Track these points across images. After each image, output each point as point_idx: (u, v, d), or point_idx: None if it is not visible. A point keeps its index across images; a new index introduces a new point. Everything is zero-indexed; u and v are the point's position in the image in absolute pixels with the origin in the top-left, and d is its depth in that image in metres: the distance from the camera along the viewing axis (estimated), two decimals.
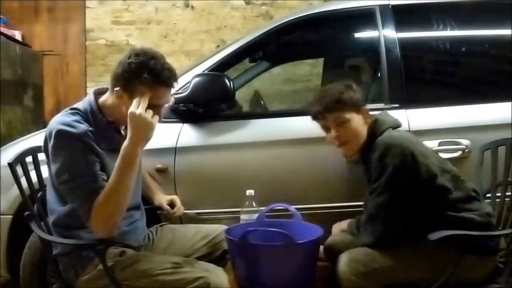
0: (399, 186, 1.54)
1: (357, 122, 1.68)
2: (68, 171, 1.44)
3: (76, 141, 1.44)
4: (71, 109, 1.55)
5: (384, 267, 1.53)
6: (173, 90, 2.09)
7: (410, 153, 1.54)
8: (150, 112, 1.46)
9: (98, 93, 1.61)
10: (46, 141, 1.50)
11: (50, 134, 1.47)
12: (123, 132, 1.63)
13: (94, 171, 1.45)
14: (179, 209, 1.90)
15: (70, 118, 1.49)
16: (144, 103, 1.45)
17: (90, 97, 1.58)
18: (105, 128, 1.55)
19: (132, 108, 1.44)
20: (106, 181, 1.46)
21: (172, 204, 1.90)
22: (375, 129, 1.67)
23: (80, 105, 1.57)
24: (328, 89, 1.73)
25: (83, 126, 1.47)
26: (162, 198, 1.92)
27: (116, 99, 1.52)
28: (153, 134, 1.47)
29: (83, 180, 1.43)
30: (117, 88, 1.50)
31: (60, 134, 1.44)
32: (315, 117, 1.74)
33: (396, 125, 1.71)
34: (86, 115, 1.53)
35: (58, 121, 1.48)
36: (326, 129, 1.73)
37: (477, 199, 1.63)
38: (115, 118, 1.58)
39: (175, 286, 1.46)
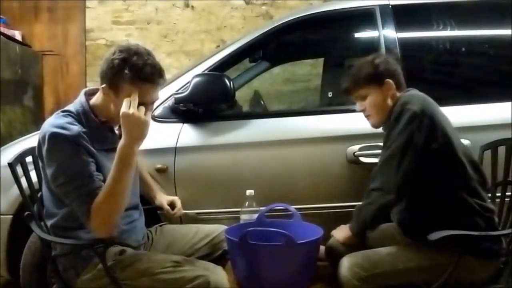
0: (415, 135, 1.53)
1: (377, 97, 1.71)
2: (64, 174, 1.43)
3: (70, 143, 1.43)
4: (63, 111, 1.53)
5: (385, 271, 1.53)
6: (170, 90, 2.12)
7: (430, 108, 1.58)
8: (143, 109, 1.45)
9: (89, 93, 1.60)
10: (40, 145, 1.49)
11: (43, 137, 1.45)
12: (117, 132, 1.62)
13: (90, 172, 1.44)
14: (179, 210, 1.90)
15: (63, 120, 1.47)
16: (135, 101, 1.44)
17: (81, 98, 1.57)
18: (98, 128, 1.54)
19: (124, 109, 1.43)
20: (103, 181, 1.45)
21: (172, 205, 1.90)
22: (401, 99, 1.68)
23: (72, 106, 1.55)
24: (352, 68, 1.78)
25: (76, 128, 1.46)
26: (162, 198, 1.91)
27: (104, 96, 1.52)
28: (147, 131, 1.46)
29: (79, 182, 1.42)
30: (103, 86, 1.49)
31: (53, 137, 1.43)
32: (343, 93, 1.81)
33: None
34: (79, 116, 1.52)
35: (51, 124, 1.46)
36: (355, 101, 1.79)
37: (485, 191, 1.63)
38: (107, 118, 1.56)
39: (175, 285, 1.46)
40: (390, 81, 1.71)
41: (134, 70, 1.45)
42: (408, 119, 1.55)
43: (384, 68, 1.72)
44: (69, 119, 1.49)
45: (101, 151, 1.51)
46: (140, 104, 1.46)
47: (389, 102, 1.70)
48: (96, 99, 1.57)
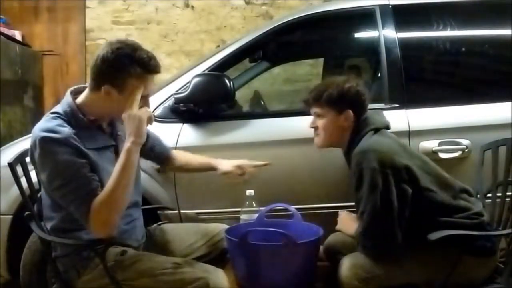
0: (382, 191, 1.50)
1: (332, 121, 1.69)
2: (59, 177, 1.41)
3: (62, 146, 1.40)
4: (52, 113, 1.51)
5: (385, 272, 1.53)
6: (170, 90, 2.12)
7: (387, 156, 1.53)
8: (144, 108, 1.47)
9: (76, 92, 1.57)
10: (31, 150, 1.47)
11: (34, 142, 1.43)
12: (106, 129, 1.60)
13: (85, 173, 1.42)
14: (247, 175, 1.84)
15: (52, 123, 1.45)
16: (136, 100, 1.45)
17: (67, 98, 1.54)
18: (87, 127, 1.51)
19: (126, 109, 1.44)
20: (98, 181, 1.44)
21: (239, 169, 1.85)
22: (358, 128, 1.67)
23: (60, 107, 1.52)
24: (321, 83, 1.76)
25: (67, 130, 1.43)
26: (224, 166, 1.86)
27: (104, 96, 1.48)
28: (145, 129, 1.48)
29: (75, 184, 1.40)
30: (106, 86, 1.46)
31: (44, 141, 1.41)
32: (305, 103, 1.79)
33: (382, 127, 1.70)
34: (67, 117, 1.49)
35: (40, 128, 1.44)
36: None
37: (466, 199, 1.62)
38: (96, 116, 1.54)
39: (175, 286, 1.46)
40: (351, 112, 1.68)
41: (143, 64, 1.45)
42: (371, 178, 1.51)
43: (350, 97, 1.68)
44: (58, 121, 1.46)
45: (93, 151, 1.49)
46: (142, 96, 1.47)
47: (342, 130, 1.69)
48: (84, 98, 1.54)
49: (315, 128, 1.75)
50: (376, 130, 1.66)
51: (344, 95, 1.67)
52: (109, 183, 1.41)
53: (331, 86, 1.69)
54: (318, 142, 1.76)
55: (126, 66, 1.45)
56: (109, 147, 1.58)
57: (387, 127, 1.73)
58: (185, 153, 1.94)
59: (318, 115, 1.73)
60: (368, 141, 1.62)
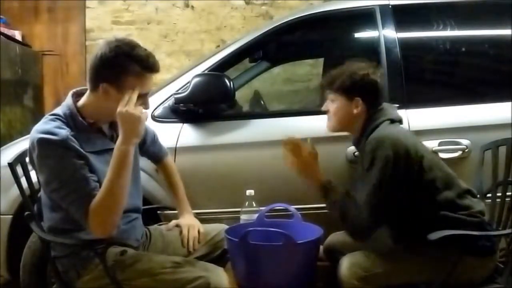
0: (389, 178, 1.51)
1: (342, 107, 1.70)
2: (57, 179, 1.41)
3: (60, 148, 1.40)
4: (52, 114, 1.50)
5: (385, 271, 1.53)
6: (170, 90, 2.12)
7: (403, 146, 1.54)
8: (140, 108, 1.45)
9: (78, 94, 1.56)
10: (30, 152, 1.46)
11: (32, 144, 1.43)
12: (106, 133, 1.59)
13: (83, 174, 1.42)
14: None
15: (50, 125, 1.44)
16: (133, 99, 1.43)
17: (68, 101, 1.53)
18: (86, 130, 1.50)
19: (120, 107, 1.42)
20: (96, 181, 1.44)
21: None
22: (373, 117, 1.68)
23: (60, 110, 1.52)
24: (338, 69, 1.76)
25: (64, 132, 1.42)
26: (183, 222, 1.83)
27: (103, 95, 1.47)
28: (143, 129, 1.47)
29: (74, 186, 1.40)
30: (103, 84, 1.45)
31: (42, 143, 1.40)
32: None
33: (397, 119, 1.71)
34: (66, 120, 1.48)
35: (38, 129, 1.44)
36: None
37: (469, 198, 1.62)
38: (97, 119, 1.53)
39: (175, 286, 1.46)
40: (359, 100, 1.68)
41: (141, 62, 1.44)
42: (383, 165, 1.52)
43: (362, 85, 1.68)
44: (57, 123, 1.45)
45: (92, 154, 1.48)
46: (140, 95, 1.46)
47: (353, 117, 1.69)
48: (85, 100, 1.53)
49: (327, 112, 1.76)
50: (392, 122, 1.67)
51: (356, 83, 1.68)
52: (106, 184, 1.40)
53: (346, 72, 1.70)
54: (328, 126, 1.78)
55: (124, 64, 1.44)
56: (109, 151, 1.54)
57: (400, 122, 1.74)
58: (173, 173, 1.92)
59: (331, 99, 1.74)
60: (385, 129, 1.63)
